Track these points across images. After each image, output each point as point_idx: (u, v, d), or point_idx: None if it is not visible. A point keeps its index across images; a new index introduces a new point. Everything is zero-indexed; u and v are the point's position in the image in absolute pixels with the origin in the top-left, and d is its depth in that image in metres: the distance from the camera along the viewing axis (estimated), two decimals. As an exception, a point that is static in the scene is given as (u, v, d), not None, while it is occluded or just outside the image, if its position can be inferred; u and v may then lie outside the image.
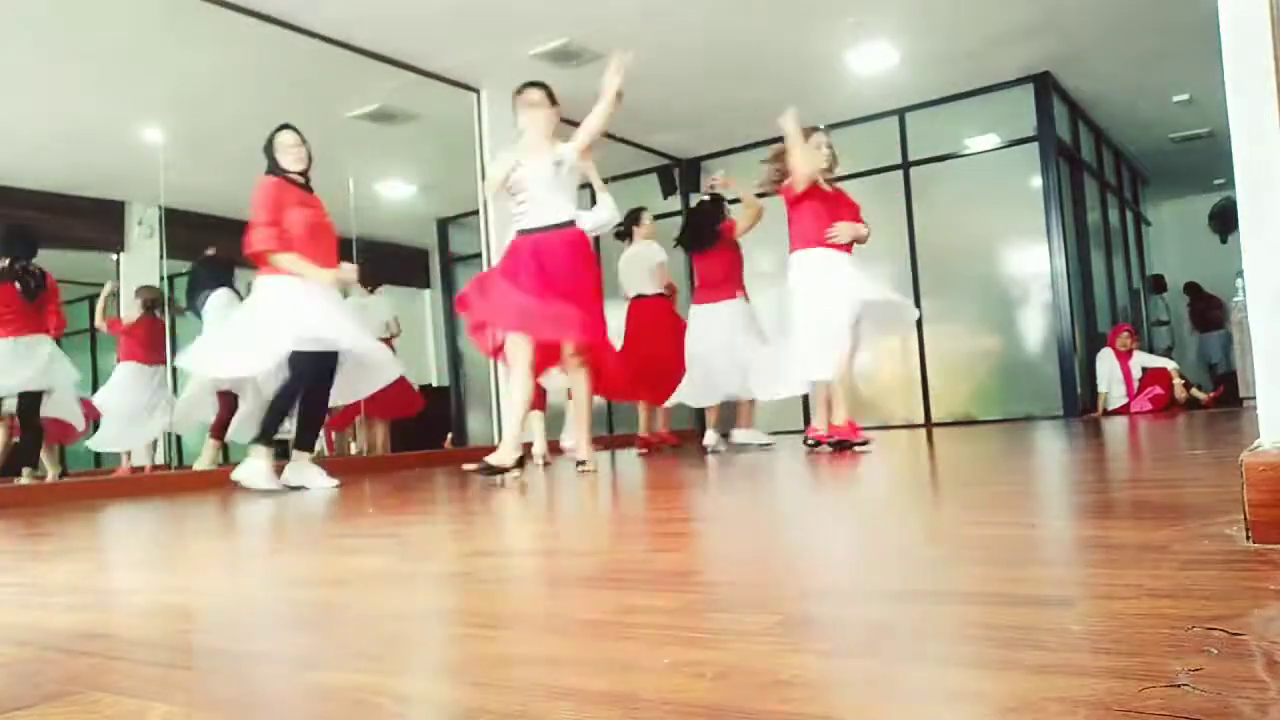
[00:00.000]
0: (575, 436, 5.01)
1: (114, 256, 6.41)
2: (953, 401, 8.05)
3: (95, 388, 6.19)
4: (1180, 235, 12.26)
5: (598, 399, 5.90)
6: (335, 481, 4.24)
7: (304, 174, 4.30)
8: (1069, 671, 0.73)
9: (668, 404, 6.07)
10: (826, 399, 4.64)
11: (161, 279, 6.26)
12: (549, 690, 0.79)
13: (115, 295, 6.21)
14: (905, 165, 8.16)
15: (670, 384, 5.89)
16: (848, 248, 4.55)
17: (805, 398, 8.66)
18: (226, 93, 6.40)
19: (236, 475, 4.15)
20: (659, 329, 5.91)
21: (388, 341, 6.63)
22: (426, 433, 7.56)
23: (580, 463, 4.08)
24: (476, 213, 7.22)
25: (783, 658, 0.84)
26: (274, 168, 4.26)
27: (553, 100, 4.09)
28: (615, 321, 5.14)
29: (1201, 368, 10.82)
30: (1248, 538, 1.19)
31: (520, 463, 3.89)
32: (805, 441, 4.67)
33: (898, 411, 8.27)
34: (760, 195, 5.51)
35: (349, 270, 4.40)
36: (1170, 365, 7.91)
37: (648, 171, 9.11)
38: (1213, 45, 1.45)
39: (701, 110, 7.83)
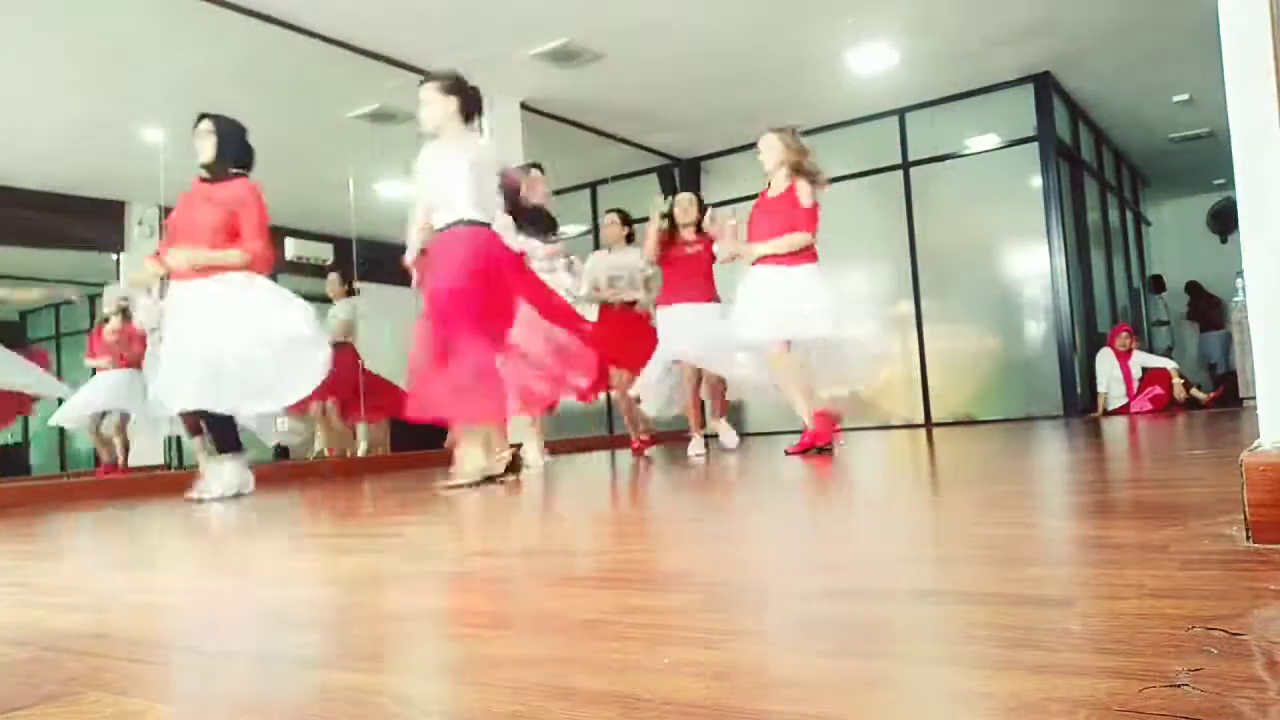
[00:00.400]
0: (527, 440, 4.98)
1: (114, 256, 6.42)
2: (953, 401, 8.05)
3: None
4: (1180, 235, 12.26)
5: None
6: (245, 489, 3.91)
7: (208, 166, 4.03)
8: (1069, 671, 0.73)
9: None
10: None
11: (162, 279, 6.25)
12: (549, 690, 0.79)
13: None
14: (905, 165, 8.16)
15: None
16: (791, 259, 4.67)
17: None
18: (227, 93, 6.40)
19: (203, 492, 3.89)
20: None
21: (346, 345, 6.52)
22: (426, 433, 7.56)
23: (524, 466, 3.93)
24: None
25: (783, 658, 0.84)
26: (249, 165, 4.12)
27: (450, 90, 3.76)
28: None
29: (1201, 368, 10.82)
30: (1248, 538, 1.19)
31: (513, 466, 3.77)
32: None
33: (898, 411, 8.27)
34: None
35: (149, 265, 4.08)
36: (1170, 365, 7.91)
37: (647, 171, 9.11)
38: (1213, 45, 1.45)
39: (701, 110, 7.84)
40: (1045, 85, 7.55)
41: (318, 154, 6.70)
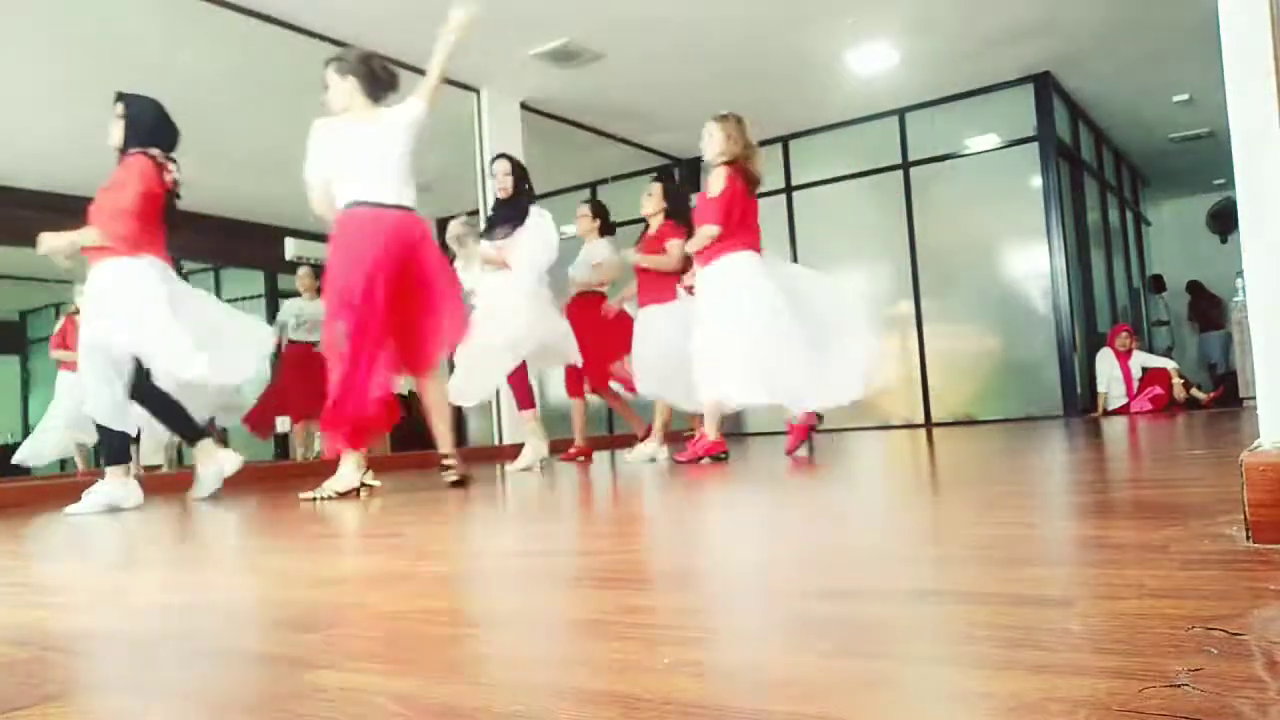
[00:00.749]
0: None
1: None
2: (953, 401, 8.05)
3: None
4: (1180, 235, 12.26)
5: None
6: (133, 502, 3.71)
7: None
8: (1069, 671, 0.73)
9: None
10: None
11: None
12: (549, 690, 0.79)
13: None
14: (905, 165, 8.16)
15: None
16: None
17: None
18: (227, 93, 6.40)
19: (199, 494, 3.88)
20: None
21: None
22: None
23: (447, 468, 3.74)
24: (476, 212, 7.22)
25: (783, 658, 0.84)
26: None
27: (348, 71, 3.61)
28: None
29: (1201, 368, 10.82)
30: (1248, 538, 1.19)
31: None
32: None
33: (898, 411, 8.27)
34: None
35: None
36: (1170, 365, 7.91)
37: (648, 171, 9.11)
38: (1213, 45, 1.45)
39: (702, 110, 7.76)
40: (1045, 85, 7.55)
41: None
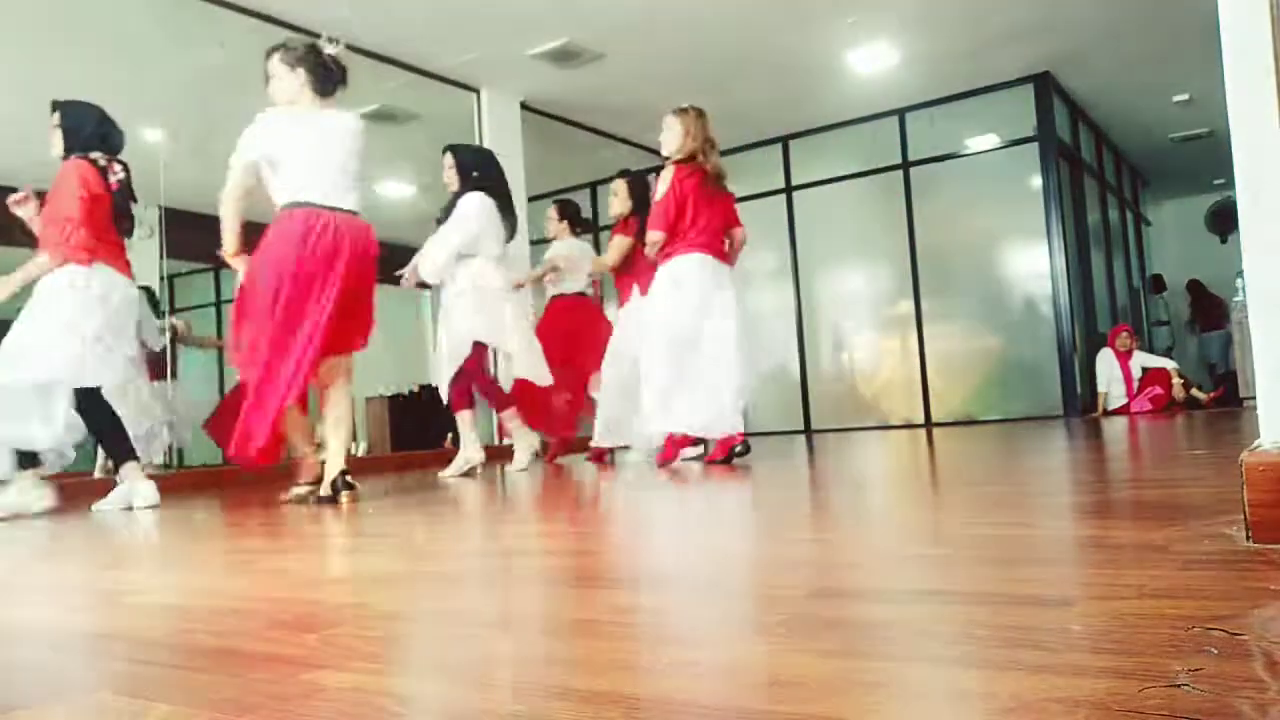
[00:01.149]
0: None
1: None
2: (953, 401, 8.05)
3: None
4: (1180, 235, 12.26)
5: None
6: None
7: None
8: (1069, 671, 0.73)
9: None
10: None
11: (161, 279, 6.26)
12: (549, 690, 0.79)
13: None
14: (905, 165, 8.16)
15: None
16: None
17: (803, 398, 8.69)
18: (226, 93, 6.39)
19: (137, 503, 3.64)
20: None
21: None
22: (426, 433, 7.57)
23: (341, 483, 3.30)
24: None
25: (783, 658, 0.84)
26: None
27: (298, 62, 3.44)
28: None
29: (1201, 368, 10.82)
30: (1248, 538, 1.19)
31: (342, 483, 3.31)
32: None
33: (898, 411, 8.27)
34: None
35: None
36: (1170, 365, 7.91)
37: (647, 171, 9.10)
38: (1213, 45, 1.45)
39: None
40: (1045, 85, 7.55)
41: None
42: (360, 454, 7.10)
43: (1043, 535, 1.56)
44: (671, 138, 4.21)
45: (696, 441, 4.39)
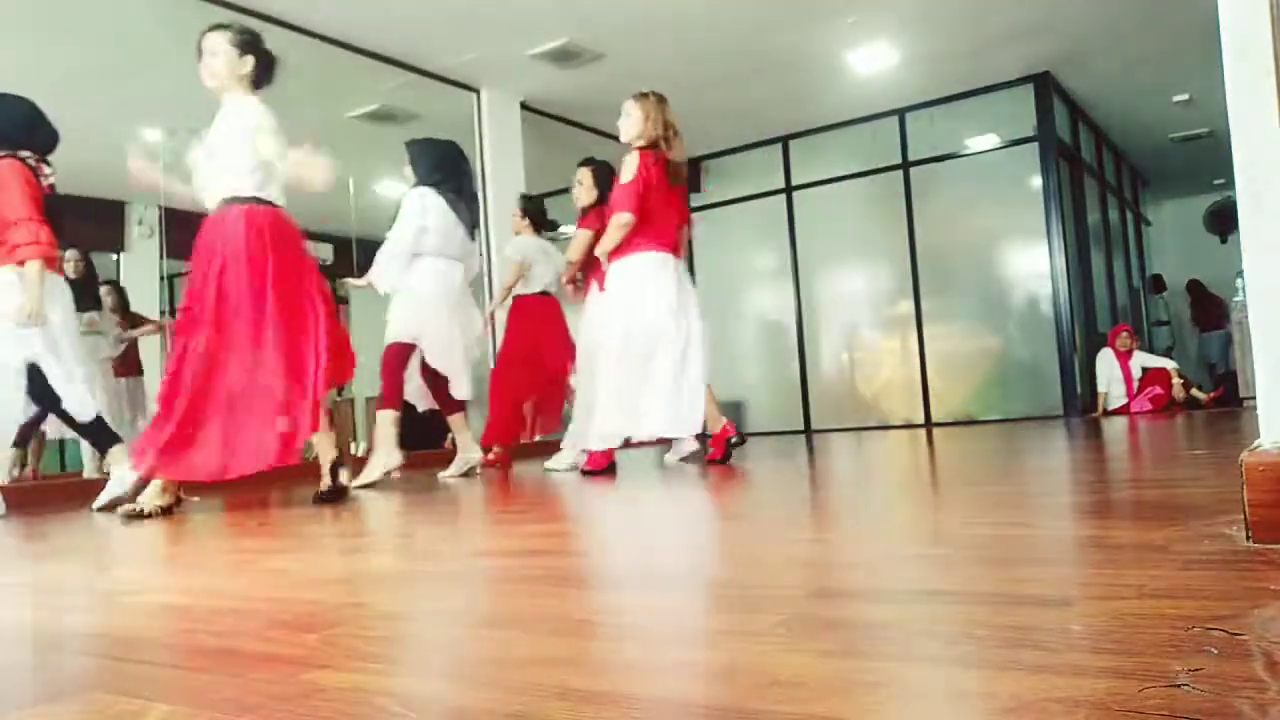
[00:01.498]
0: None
1: (114, 256, 6.42)
2: (953, 401, 8.05)
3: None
4: (1180, 235, 12.27)
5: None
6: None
7: None
8: (1069, 671, 0.73)
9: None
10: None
11: (161, 279, 6.26)
12: (549, 690, 0.79)
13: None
14: (905, 165, 8.16)
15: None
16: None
17: (804, 398, 8.68)
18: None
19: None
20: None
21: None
22: (426, 433, 7.57)
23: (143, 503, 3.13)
24: (476, 212, 7.22)
25: (783, 658, 0.84)
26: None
27: (248, 47, 3.31)
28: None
29: (1201, 368, 10.82)
30: (1248, 538, 1.19)
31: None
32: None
33: (898, 411, 8.27)
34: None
35: None
36: (1170, 365, 7.91)
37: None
38: (1213, 45, 1.45)
39: (701, 110, 7.82)
40: (1045, 85, 7.55)
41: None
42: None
43: (1043, 535, 1.56)
44: (631, 124, 4.06)
45: (698, 439, 4.33)
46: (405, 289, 4.33)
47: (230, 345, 3.08)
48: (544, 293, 5.20)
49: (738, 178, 8.82)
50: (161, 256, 6.10)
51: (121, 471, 3.63)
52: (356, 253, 6.80)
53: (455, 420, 4.60)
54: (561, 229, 6.18)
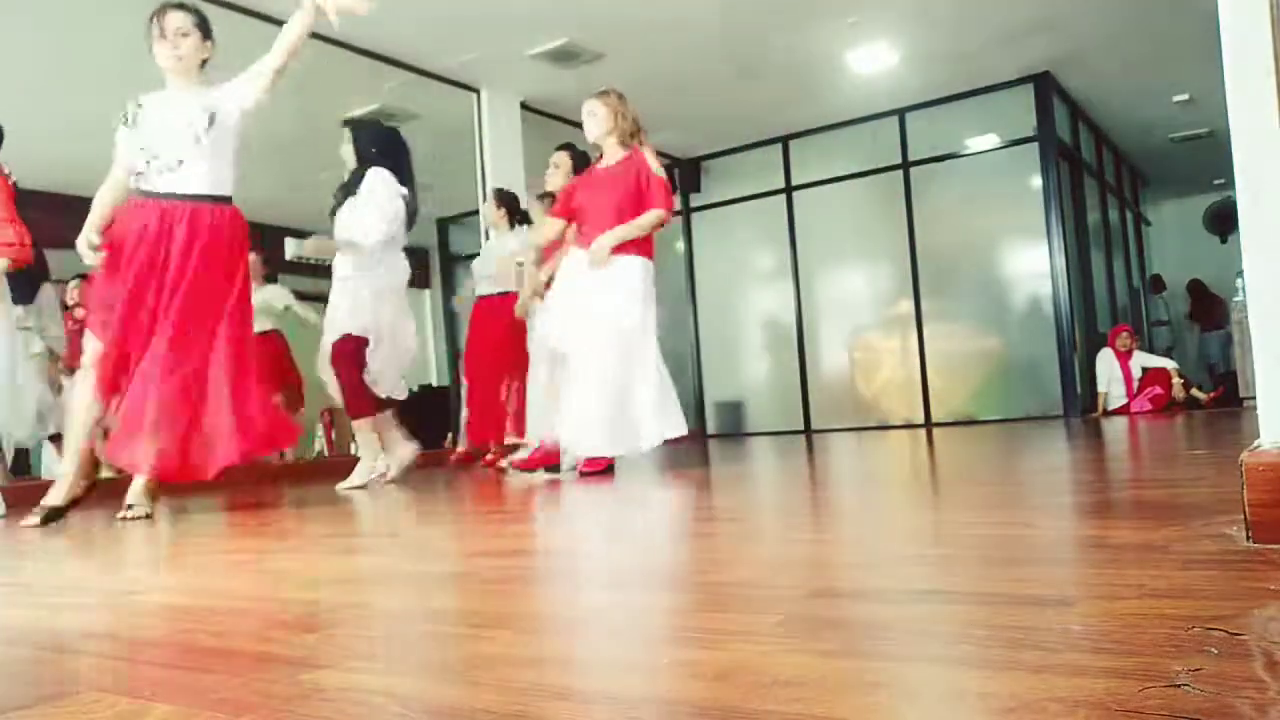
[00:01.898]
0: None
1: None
2: (953, 401, 8.05)
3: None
4: (1180, 235, 12.27)
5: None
6: None
7: None
8: (1069, 671, 0.73)
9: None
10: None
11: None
12: (549, 690, 0.79)
13: None
14: (905, 165, 8.16)
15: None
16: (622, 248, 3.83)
17: (804, 398, 8.68)
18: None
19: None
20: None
21: (272, 333, 6.03)
22: (426, 433, 7.57)
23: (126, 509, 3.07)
24: (476, 212, 7.22)
25: (783, 658, 0.84)
26: None
27: (208, 31, 3.26)
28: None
29: (1201, 368, 10.82)
30: (1248, 538, 1.19)
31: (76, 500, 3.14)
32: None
33: (898, 411, 8.27)
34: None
35: None
36: (1170, 365, 7.91)
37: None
38: (1213, 45, 1.45)
39: (701, 110, 7.84)
40: (1045, 85, 7.56)
41: (318, 154, 6.72)
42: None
43: (1043, 535, 1.56)
44: (596, 123, 3.92)
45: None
46: (360, 276, 4.07)
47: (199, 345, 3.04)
48: (506, 292, 5.05)
49: (738, 178, 8.82)
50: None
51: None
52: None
53: (379, 421, 4.25)
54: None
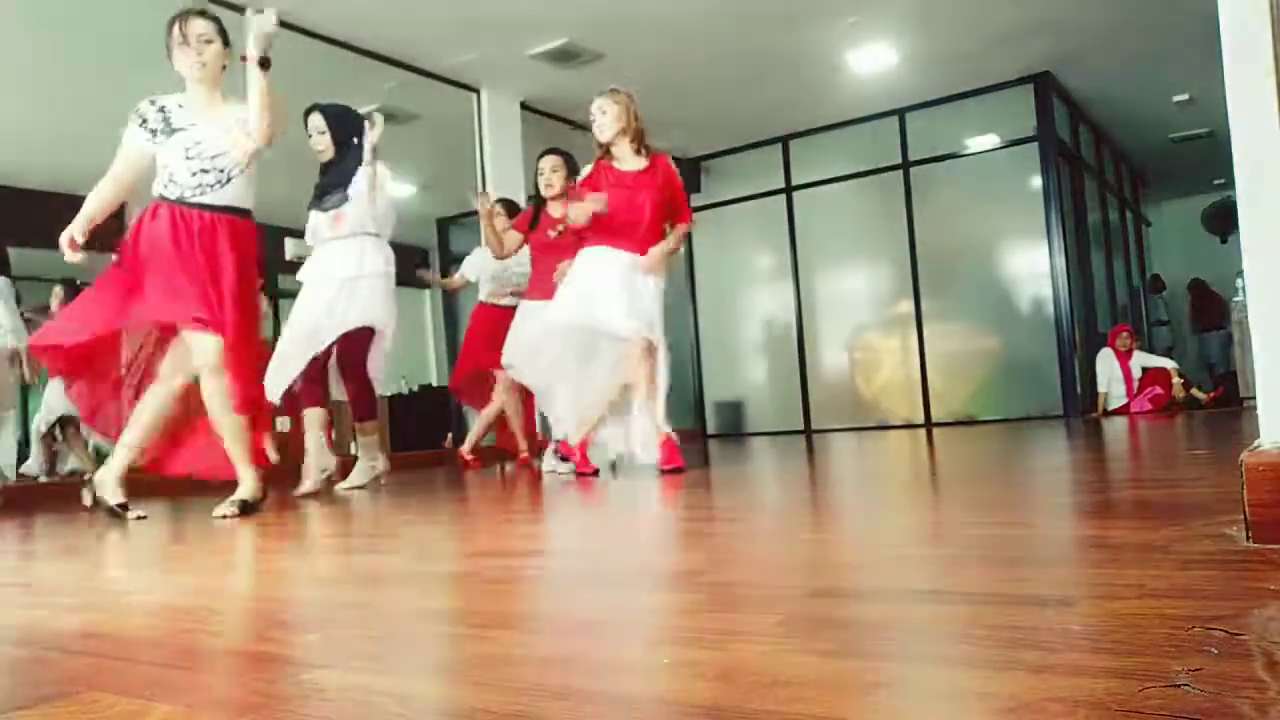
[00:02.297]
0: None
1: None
2: (953, 401, 8.05)
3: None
4: (1180, 235, 12.27)
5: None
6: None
7: None
8: (1069, 671, 0.73)
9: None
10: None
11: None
12: (549, 690, 0.79)
13: None
14: (905, 165, 8.16)
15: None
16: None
17: (804, 398, 8.68)
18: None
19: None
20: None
21: None
22: (426, 433, 7.57)
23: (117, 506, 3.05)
24: (476, 213, 7.21)
25: (783, 658, 0.84)
26: None
27: (227, 41, 3.22)
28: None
29: (1201, 368, 10.82)
30: (1248, 538, 1.19)
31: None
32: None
33: (898, 411, 8.27)
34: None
35: None
36: (1170, 365, 7.91)
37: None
38: (1213, 45, 1.45)
39: (702, 110, 7.84)
40: (1045, 85, 7.56)
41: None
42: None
43: (1043, 535, 1.56)
44: (608, 121, 3.90)
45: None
46: (375, 275, 3.97)
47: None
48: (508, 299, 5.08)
49: (738, 178, 8.82)
50: (161, 256, 6.09)
51: None
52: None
53: (373, 425, 4.20)
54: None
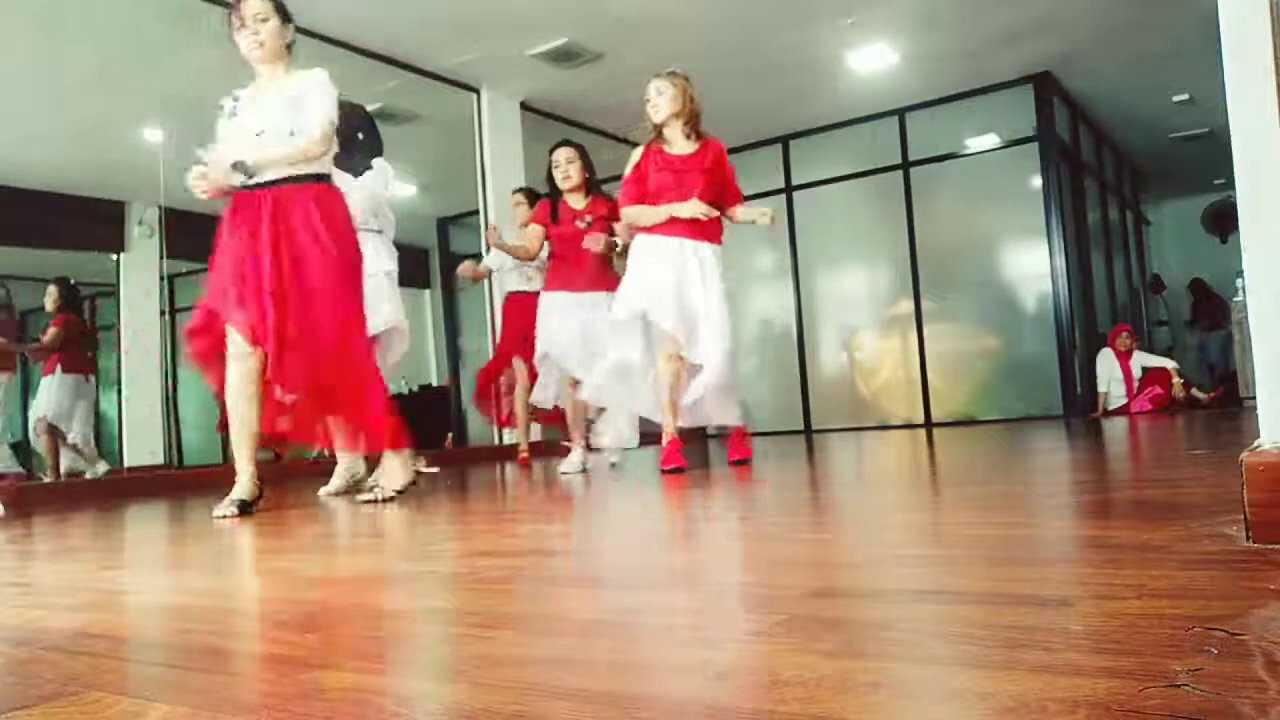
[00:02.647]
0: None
1: (114, 257, 6.41)
2: (953, 401, 8.05)
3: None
4: (1180, 235, 12.27)
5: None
6: None
7: None
8: (1069, 671, 0.73)
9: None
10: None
11: (161, 279, 6.25)
12: (549, 690, 0.79)
13: None
14: (905, 165, 8.16)
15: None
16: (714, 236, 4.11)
17: (804, 397, 8.68)
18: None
19: None
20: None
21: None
22: (426, 433, 7.57)
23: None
24: (476, 212, 7.22)
25: (783, 658, 0.84)
26: None
27: (285, 16, 3.21)
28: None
29: (1201, 368, 10.82)
30: (1248, 538, 1.19)
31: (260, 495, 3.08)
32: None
33: (898, 411, 8.28)
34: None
35: None
36: (1170, 365, 7.92)
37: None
38: (1213, 45, 1.45)
39: (701, 109, 7.83)
40: (1045, 85, 7.56)
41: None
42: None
43: (1043, 535, 1.56)
44: (665, 102, 4.00)
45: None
46: (377, 270, 3.91)
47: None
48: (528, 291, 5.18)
49: (737, 177, 8.80)
50: (162, 257, 6.10)
51: None
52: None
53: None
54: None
